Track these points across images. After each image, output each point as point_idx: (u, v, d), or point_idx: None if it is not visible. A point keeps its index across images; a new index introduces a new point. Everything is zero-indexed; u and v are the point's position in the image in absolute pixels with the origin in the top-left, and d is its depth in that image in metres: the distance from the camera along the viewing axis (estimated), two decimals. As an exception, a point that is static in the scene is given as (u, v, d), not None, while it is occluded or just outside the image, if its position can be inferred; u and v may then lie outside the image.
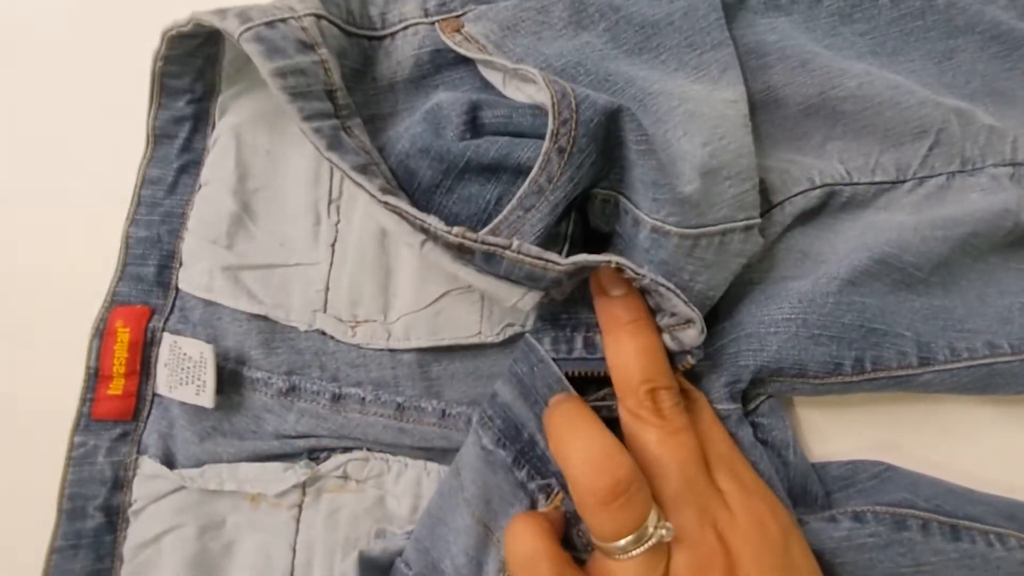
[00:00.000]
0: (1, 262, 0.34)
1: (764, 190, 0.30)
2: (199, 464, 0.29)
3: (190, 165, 0.33)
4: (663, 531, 0.21)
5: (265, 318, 0.31)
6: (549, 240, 0.27)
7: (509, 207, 0.25)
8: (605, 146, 0.27)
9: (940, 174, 0.31)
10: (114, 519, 0.29)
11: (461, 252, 0.24)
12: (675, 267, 0.26)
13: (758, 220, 0.27)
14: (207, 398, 0.29)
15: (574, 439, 0.22)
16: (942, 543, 0.27)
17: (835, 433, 0.31)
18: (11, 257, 0.35)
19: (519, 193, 0.25)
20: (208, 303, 0.31)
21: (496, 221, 0.25)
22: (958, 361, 0.28)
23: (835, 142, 0.32)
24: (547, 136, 0.25)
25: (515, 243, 0.24)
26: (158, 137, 0.32)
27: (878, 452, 0.31)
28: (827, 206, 0.31)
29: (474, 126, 0.28)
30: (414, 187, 0.28)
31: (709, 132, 0.26)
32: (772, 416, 0.29)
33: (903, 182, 0.31)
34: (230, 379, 0.30)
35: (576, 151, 0.25)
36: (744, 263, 0.27)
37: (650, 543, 0.21)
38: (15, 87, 0.37)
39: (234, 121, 0.33)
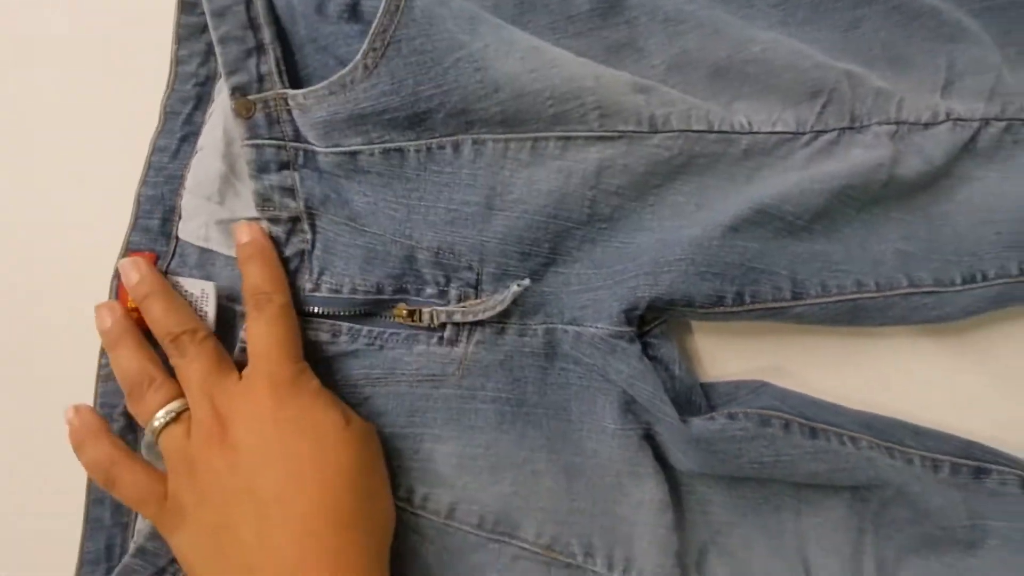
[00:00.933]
0: (45, 221, 0.44)
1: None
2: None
3: (190, 136, 0.40)
4: (166, 411, 0.32)
5: None
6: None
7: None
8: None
9: (832, 130, 0.35)
10: (132, 422, 0.37)
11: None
12: (496, 168, 0.33)
13: (576, 135, 0.33)
14: (209, 324, 0.36)
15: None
16: (800, 439, 0.32)
17: (728, 359, 0.37)
18: (54, 215, 0.44)
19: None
20: (203, 250, 0.38)
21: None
22: (827, 296, 0.33)
23: (741, 101, 0.36)
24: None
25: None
26: (168, 114, 0.40)
27: (762, 375, 0.36)
28: (727, 154, 0.35)
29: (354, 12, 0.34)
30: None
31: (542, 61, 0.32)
32: (663, 338, 0.34)
33: (802, 134, 0.35)
34: (222, 315, 0.38)
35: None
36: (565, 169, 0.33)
37: (161, 420, 0.32)
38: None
39: (225, 99, 0.40)
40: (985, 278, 0.34)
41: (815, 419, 0.33)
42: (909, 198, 0.35)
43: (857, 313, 0.33)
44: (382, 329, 0.36)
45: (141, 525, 0.35)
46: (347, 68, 0.32)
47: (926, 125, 0.35)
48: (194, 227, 0.39)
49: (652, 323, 0.35)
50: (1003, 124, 0.35)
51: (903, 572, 0.33)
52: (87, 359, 0.38)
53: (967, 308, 0.34)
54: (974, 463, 0.33)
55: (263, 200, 0.36)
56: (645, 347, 0.34)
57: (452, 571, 0.32)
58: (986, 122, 0.35)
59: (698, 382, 0.35)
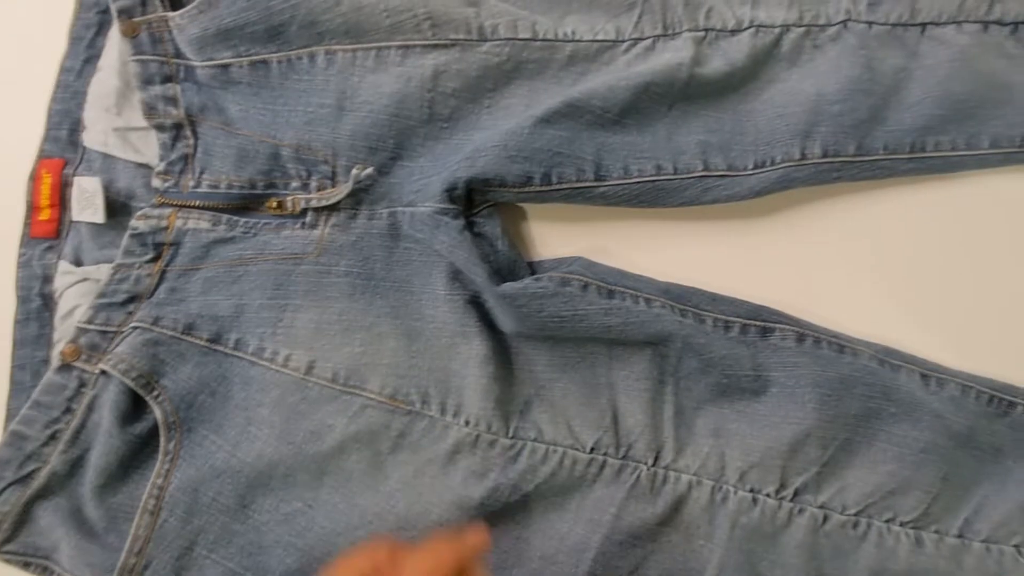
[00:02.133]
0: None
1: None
2: (97, 263, 0.43)
3: (92, 57, 0.46)
4: None
5: (146, 165, 0.44)
6: None
7: None
8: None
9: (648, 37, 0.40)
10: (48, 301, 0.44)
11: None
12: (346, 74, 0.38)
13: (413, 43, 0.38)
14: (100, 216, 0.43)
15: None
16: (595, 298, 0.38)
17: (556, 242, 0.43)
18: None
19: None
20: (105, 156, 0.44)
21: None
22: (628, 178, 0.39)
23: (571, 15, 0.41)
24: None
25: None
26: (73, 39, 0.46)
27: (587, 254, 0.42)
28: (553, 60, 0.40)
29: None
30: None
31: None
32: (488, 218, 0.40)
33: (621, 42, 0.40)
34: (121, 209, 0.44)
35: None
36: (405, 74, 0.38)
37: None
38: None
39: (121, 22, 0.45)
40: (772, 163, 0.39)
41: (614, 283, 0.39)
42: (720, 98, 0.40)
43: (657, 194, 0.39)
44: (256, 220, 0.42)
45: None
46: None
47: (732, 31, 0.40)
48: (95, 135, 0.45)
49: (479, 206, 0.40)
50: (802, 30, 0.40)
51: (700, 418, 0.40)
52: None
53: (754, 188, 0.39)
54: (760, 323, 0.39)
55: (149, 109, 0.41)
56: (471, 225, 0.39)
57: (309, 419, 0.39)
58: (786, 28, 0.40)
59: (521, 257, 0.41)
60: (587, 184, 0.38)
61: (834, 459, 0.38)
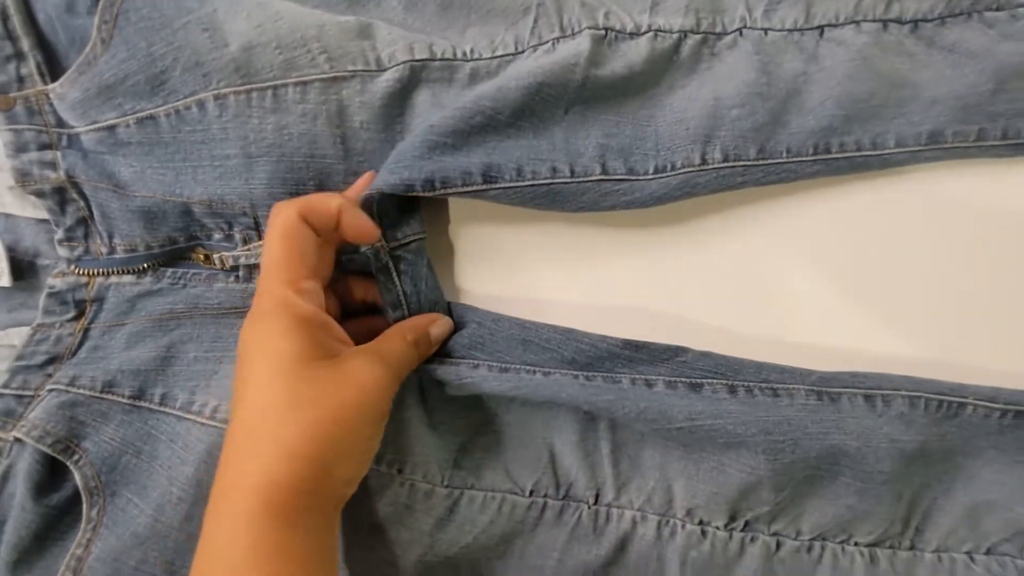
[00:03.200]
0: None
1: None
2: (6, 328, 0.43)
3: None
4: None
5: (47, 220, 0.43)
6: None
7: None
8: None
9: (547, 41, 0.40)
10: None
11: None
12: (244, 118, 0.38)
13: (311, 78, 0.38)
14: (6, 279, 0.42)
15: None
16: (487, 372, 0.39)
17: (473, 278, 0.43)
18: None
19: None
20: (6, 216, 0.43)
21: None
22: (522, 180, 0.38)
23: (472, 28, 0.41)
24: None
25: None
26: None
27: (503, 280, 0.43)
28: (456, 80, 0.40)
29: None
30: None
31: (266, 16, 0.38)
32: (415, 253, 0.39)
33: (521, 52, 0.41)
34: (29, 269, 0.44)
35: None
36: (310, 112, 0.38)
37: None
38: None
39: None
40: (673, 167, 0.40)
41: (511, 359, 0.39)
42: (618, 102, 0.40)
43: (554, 197, 0.39)
44: (185, 270, 0.42)
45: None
46: (88, 46, 0.38)
47: (631, 35, 0.40)
48: (-8, 196, 0.45)
49: (407, 238, 0.40)
50: (699, 37, 0.40)
51: (645, 450, 0.39)
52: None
53: (655, 194, 0.39)
54: (686, 380, 0.38)
55: (22, 176, 0.40)
56: (397, 261, 0.39)
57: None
58: (684, 34, 0.40)
59: (442, 297, 0.41)
60: (475, 188, 0.38)
61: (789, 496, 0.38)
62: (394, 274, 0.39)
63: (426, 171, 0.37)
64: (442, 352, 0.40)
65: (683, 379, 0.39)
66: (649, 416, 0.38)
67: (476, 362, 0.40)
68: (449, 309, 0.41)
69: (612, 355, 0.39)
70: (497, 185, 0.38)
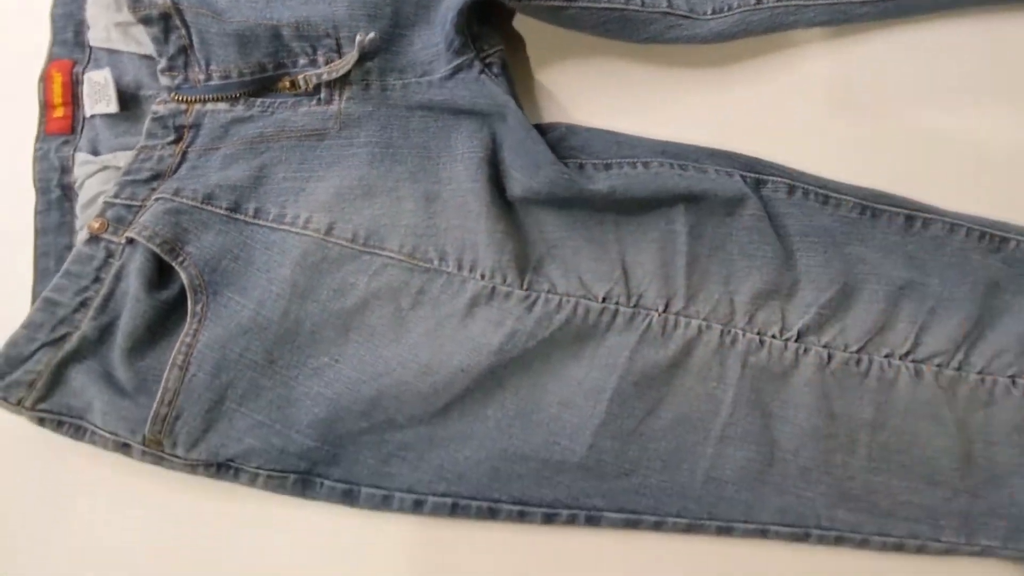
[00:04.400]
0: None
1: None
2: (114, 152, 0.47)
3: (89, -35, 0.49)
4: None
5: (151, 56, 0.47)
6: None
7: None
8: None
9: None
10: (67, 191, 0.47)
11: None
12: None
13: None
14: (113, 106, 0.46)
15: None
16: (593, 172, 0.43)
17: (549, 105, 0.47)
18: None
19: None
20: (110, 51, 0.48)
21: None
22: (598, 2, 0.43)
23: None
24: None
25: None
26: None
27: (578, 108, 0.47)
28: None
29: None
30: None
31: None
32: (499, 67, 0.44)
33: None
34: (132, 100, 0.48)
35: None
36: None
37: None
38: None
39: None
40: (730, 8, 0.44)
41: (608, 156, 0.44)
42: None
43: (624, 24, 0.43)
44: (272, 99, 0.46)
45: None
46: None
47: None
48: (99, 32, 0.49)
49: (487, 51, 0.44)
50: None
51: (713, 264, 0.43)
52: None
53: (714, 30, 0.44)
54: (755, 175, 0.43)
55: (135, 2, 0.44)
56: (487, 69, 0.43)
57: (332, 277, 0.42)
58: None
59: (525, 113, 0.44)
60: (559, 3, 0.42)
61: (831, 302, 0.42)
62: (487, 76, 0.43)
63: (518, -23, 0.41)
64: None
65: (752, 174, 0.43)
66: (728, 200, 0.42)
67: (580, 161, 0.44)
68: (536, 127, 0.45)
69: (697, 151, 0.44)
70: (577, 3, 0.42)
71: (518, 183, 0.43)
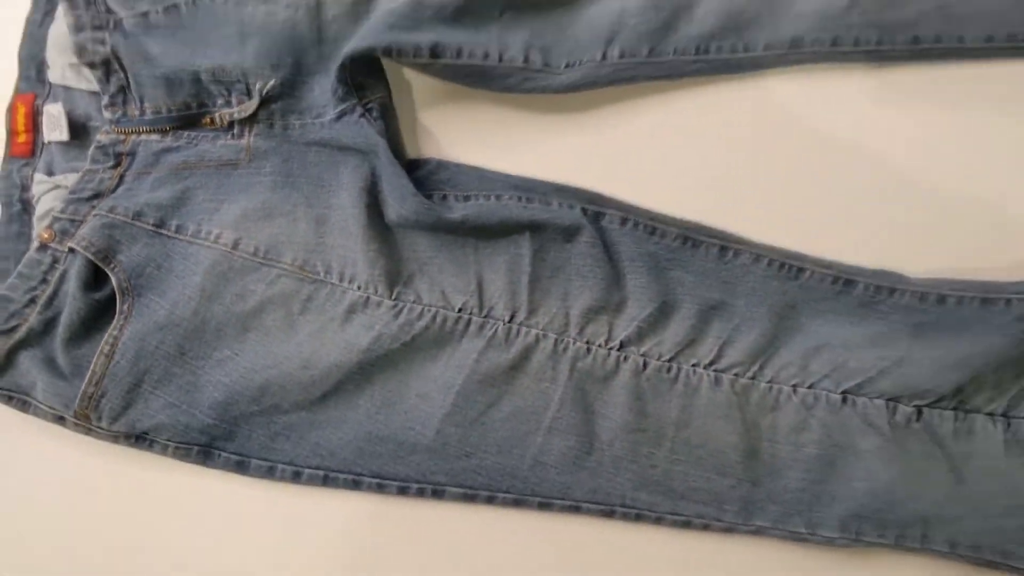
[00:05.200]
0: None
1: None
2: (66, 173, 0.57)
3: (50, 10, 0.59)
4: None
5: (97, 93, 0.57)
6: None
7: None
8: None
9: None
10: (26, 206, 0.57)
11: None
12: (242, 7, 0.53)
13: None
14: (65, 135, 0.56)
15: None
16: (454, 203, 0.52)
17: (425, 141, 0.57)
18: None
19: None
20: (66, 88, 0.58)
21: None
22: (460, 59, 0.52)
23: None
24: None
25: None
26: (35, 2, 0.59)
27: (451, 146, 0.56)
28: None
29: None
30: None
31: None
32: (379, 111, 0.53)
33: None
34: (82, 130, 0.58)
35: None
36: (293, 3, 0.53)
37: None
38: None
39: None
40: (580, 63, 0.52)
41: (469, 189, 0.53)
42: (547, 11, 0.52)
43: (484, 76, 0.52)
44: (196, 133, 0.55)
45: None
46: None
47: None
48: (56, 71, 0.59)
49: (369, 99, 0.53)
50: None
51: (554, 284, 0.52)
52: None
53: (564, 83, 0.52)
54: (594, 208, 0.52)
55: (80, 49, 0.54)
56: (368, 113, 0.53)
57: (235, 284, 0.52)
58: None
59: (401, 150, 0.55)
60: (423, 60, 0.51)
61: (650, 317, 0.51)
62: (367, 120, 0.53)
63: (385, 41, 0.50)
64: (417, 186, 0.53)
65: (592, 206, 0.52)
66: (567, 229, 0.51)
67: (445, 192, 0.53)
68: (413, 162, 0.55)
69: (546, 185, 0.53)
70: (441, 60, 0.51)
71: (392, 210, 0.52)
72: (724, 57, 0.53)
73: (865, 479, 0.49)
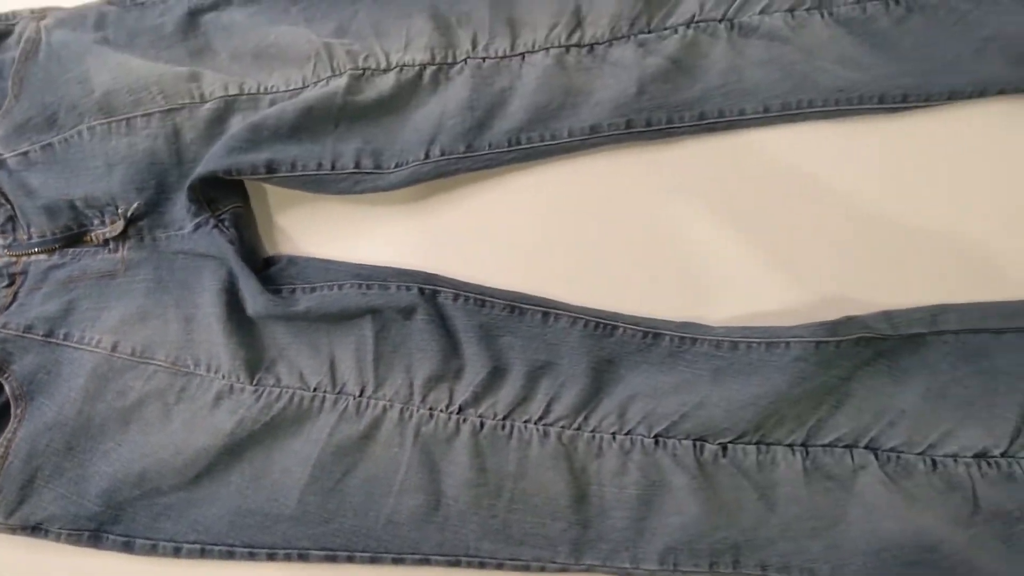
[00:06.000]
0: None
1: None
2: (-31, 292, 0.65)
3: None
4: None
5: None
6: None
7: None
8: None
9: (323, 79, 0.61)
10: None
11: None
12: (107, 142, 0.61)
13: (153, 111, 0.61)
14: (-33, 259, 0.64)
15: None
16: (302, 295, 0.60)
17: (280, 239, 0.64)
18: None
19: None
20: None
21: None
22: (294, 172, 0.60)
23: (276, 71, 0.62)
24: None
25: None
26: None
27: (302, 240, 0.63)
28: (257, 104, 0.62)
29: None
30: None
31: (123, 70, 0.60)
32: (231, 221, 0.61)
33: (306, 87, 0.61)
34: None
35: None
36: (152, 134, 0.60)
37: None
38: None
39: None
40: (407, 163, 0.60)
41: (316, 280, 0.60)
42: (378, 118, 0.61)
43: (319, 183, 0.60)
44: (79, 250, 0.63)
45: None
46: (6, 100, 0.61)
47: (384, 70, 0.61)
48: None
49: (222, 211, 0.61)
50: (435, 67, 0.61)
51: (397, 359, 0.59)
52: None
53: (393, 182, 0.60)
54: (429, 287, 0.59)
55: None
56: (220, 226, 0.61)
57: (116, 383, 0.59)
58: (424, 66, 0.61)
59: (257, 249, 0.63)
60: (260, 176, 0.60)
61: (484, 381, 0.58)
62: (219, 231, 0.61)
63: (225, 164, 0.59)
64: (267, 283, 0.61)
65: (429, 286, 0.59)
66: (405, 309, 0.59)
67: (294, 286, 0.61)
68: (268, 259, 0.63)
69: (386, 271, 0.60)
70: (277, 174, 0.60)
71: (249, 306, 0.60)
72: (534, 146, 0.61)
73: (678, 514, 0.55)
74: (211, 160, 0.58)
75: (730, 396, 0.55)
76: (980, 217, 0.59)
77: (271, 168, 0.59)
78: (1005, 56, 0.59)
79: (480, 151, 0.61)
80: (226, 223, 0.61)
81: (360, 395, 0.59)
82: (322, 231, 0.64)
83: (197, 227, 0.61)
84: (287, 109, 0.59)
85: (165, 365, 0.60)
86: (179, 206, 0.62)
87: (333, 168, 0.60)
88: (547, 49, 0.62)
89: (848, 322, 0.55)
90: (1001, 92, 0.59)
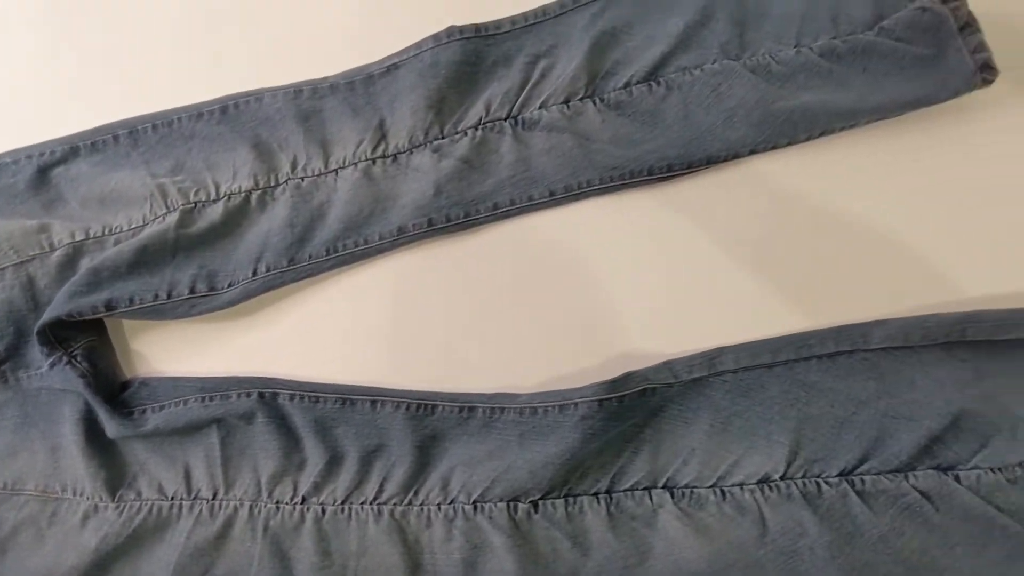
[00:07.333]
0: None
1: None
2: None
3: None
4: None
5: None
6: None
7: None
8: None
9: (160, 216, 0.70)
10: None
11: None
12: None
13: (4, 266, 0.68)
14: None
15: None
16: (151, 415, 0.67)
17: (136, 362, 0.72)
18: None
19: None
20: None
21: None
22: (132, 306, 0.68)
23: (120, 212, 0.72)
24: None
25: None
26: None
27: (152, 359, 0.71)
28: (104, 264, 0.71)
29: None
30: None
31: None
32: (84, 355, 0.69)
33: (145, 224, 0.70)
34: None
35: None
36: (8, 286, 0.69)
37: None
38: None
39: None
40: (239, 281, 0.69)
41: (165, 398, 0.68)
42: (213, 244, 0.69)
43: (158, 312, 0.68)
44: (-42, 394, 0.71)
45: None
46: None
47: (213, 201, 0.70)
48: None
49: (75, 347, 0.69)
50: (260, 191, 0.70)
51: (244, 459, 0.67)
52: None
53: (226, 301, 0.68)
54: (269, 390, 0.67)
55: None
56: (73, 360, 0.68)
57: (-5, 515, 0.67)
58: (249, 192, 0.70)
59: (114, 374, 0.70)
60: (101, 314, 0.68)
61: (322, 471, 0.65)
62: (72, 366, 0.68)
63: (67, 309, 0.67)
64: (121, 406, 0.68)
65: (268, 390, 0.67)
66: (245, 414, 0.66)
67: (144, 407, 0.68)
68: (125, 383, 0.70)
69: (228, 380, 0.68)
70: (117, 311, 0.68)
71: (107, 430, 0.68)
72: (350, 251, 0.70)
73: (500, 572, 0.62)
74: (55, 307, 0.67)
75: (532, 458, 0.63)
76: (747, 280, 0.67)
77: (110, 306, 0.68)
78: (748, 122, 0.68)
79: (301, 263, 0.69)
80: (78, 358, 0.69)
81: (213, 498, 0.67)
82: (173, 350, 0.72)
83: (52, 365, 0.69)
84: (123, 250, 0.68)
85: (35, 494, 0.68)
86: (36, 348, 0.70)
87: (169, 297, 0.69)
88: (355, 164, 0.71)
89: (626, 378, 0.63)
90: (752, 152, 0.69)
